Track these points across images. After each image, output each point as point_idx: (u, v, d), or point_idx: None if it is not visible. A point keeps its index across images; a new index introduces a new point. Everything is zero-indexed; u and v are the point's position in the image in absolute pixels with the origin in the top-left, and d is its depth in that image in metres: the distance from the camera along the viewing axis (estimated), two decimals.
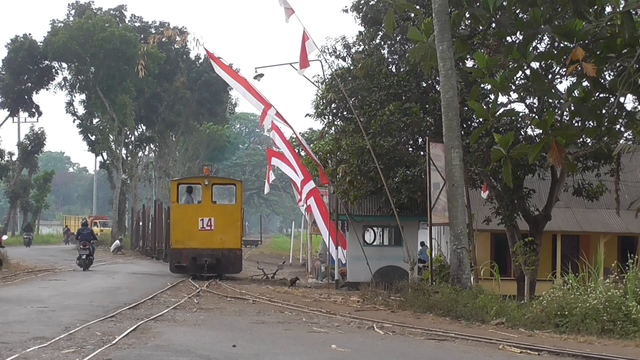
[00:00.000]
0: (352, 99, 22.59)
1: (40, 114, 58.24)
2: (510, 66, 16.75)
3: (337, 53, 24.87)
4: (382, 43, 23.79)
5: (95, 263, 32.25)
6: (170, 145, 66.07)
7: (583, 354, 11.25)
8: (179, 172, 64.93)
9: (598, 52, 13.33)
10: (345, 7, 23.94)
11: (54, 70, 56.04)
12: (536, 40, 19.01)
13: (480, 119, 18.57)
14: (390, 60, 23.80)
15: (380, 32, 23.38)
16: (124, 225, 60.35)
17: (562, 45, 16.49)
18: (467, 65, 20.38)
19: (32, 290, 19.19)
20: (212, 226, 25.77)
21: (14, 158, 59.42)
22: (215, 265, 25.15)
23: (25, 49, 53.75)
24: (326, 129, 25.98)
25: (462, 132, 18.62)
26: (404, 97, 22.13)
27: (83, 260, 27.90)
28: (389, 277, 22.13)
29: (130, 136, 61.27)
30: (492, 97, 18.79)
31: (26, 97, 56.34)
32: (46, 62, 55.17)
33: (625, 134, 19.23)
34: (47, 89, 56.83)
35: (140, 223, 46.30)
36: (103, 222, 64.68)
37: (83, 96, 55.69)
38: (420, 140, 22.86)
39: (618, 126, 16.94)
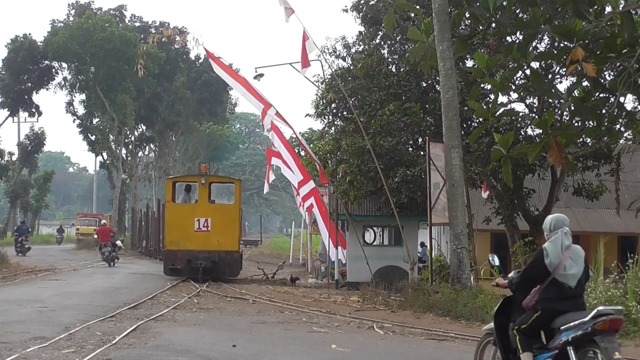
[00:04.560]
0: (352, 99, 22.59)
1: (40, 114, 58.27)
2: (510, 66, 16.76)
3: (337, 53, 24.91)
4: (382, 43, 23.80)
5: (95, 263, 32.29)
6: (170, 145, 66.08)
7: None
8: (179, 172, 64.84)
9: (598, 52, 13.34)
10: (345, 7, 23.99)
11: (54, 70, 56.04)
12: (536, 40, 19.02)
13: (480, 119, 18.58)
14: (390, 60, 23.81)
15: (380, 32, 23.38)
16: (124, 225, 60.29)
17: (562, 45, 16.49)
18: (467, 65, 20.39)
19: (32, 290, 19.17)
20: (208, 227, 24.59)
21: (14, 158, 59.39)
22: (211, 268, 24.01)
23: (25, 49, 53.74)
24: (326, 129, 25.96)
25: (462, 132, 18.63)
26: (404, 97, 22.14)
27: (24, 248, 37.32)
28: (389, 277, 22.12)
29: (130, 136, 61.26)
30: (492, 97, 18.81)
31: (26, 97, 56.31)
32: (46, 62, 55.15)
33: (625, 134, 19.24)
34: (47, 89, 56.88)
35: (143, 223, 46.04)
36: (85, 221, 59.79)
37: (83, 96, 55.73)
38: (420, 140, 22.87)
39: (618, 126, 16.95)
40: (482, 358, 8.31)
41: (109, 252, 30.33)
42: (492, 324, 7.99)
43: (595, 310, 7.05)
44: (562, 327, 7.17)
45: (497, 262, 8.72)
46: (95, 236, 31.10)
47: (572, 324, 7.09)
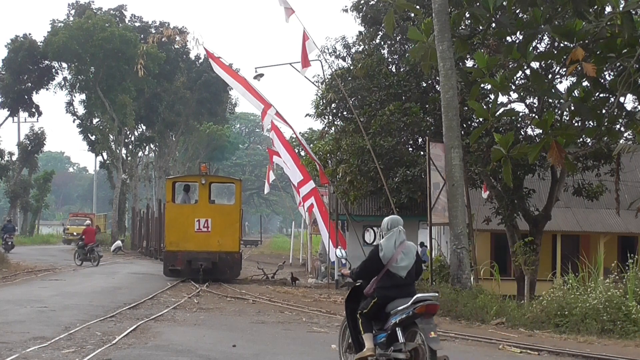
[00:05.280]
0: (352, 99, 22.59)
1: (40, 114, 58.36)
2: (510, 66, 16.77)
3: (337, 53, 24.91)
4: (382, 43, 23.81)
5: (95, 263, 32.37)
6: (170, 145, 66.09)
7: (583, 354, 11.25)
8: (179, 172, 64.85)
9: (598, 52, 13.35)
10: (345, 7, 24.00)
11: (54, 70, 56.08)
12: (536, 40, 19.02)
13: (480, 119, 18.58)
14: (390, 60, 23.81)
15: (380, 32, 23.39)
16: (124, 225, 60.29)
17: (562, 45, 16.49)
18: (467, 65, 20.39)
19: (32, 290, 19.17)
20: (209, 227, 24.33)
21: (14, 158, 59.45)
22: (212, 269, 23.74)
23: (25, 49, 53.76)
24: (326, 129, 25.96)
25: (462, 132, 18.62)
26: (404, 97, 22.14)
27: (8, 245, 38.53)
28: None
29: (130, 136, 61.29)
30: (492, 97, 18.80)
31: (26, 97, 56.37)
32: (46, 62, 55.20)
33: (625, 134, 19.24)
34: (47, 89, 56.96)
35: (143, 223, 45.96)
36: (76, 221, 57.45)
37: (83, 96, 55.75)
38: (420, 140, 22.87)
39: (618, 126, 16.95)
40: (345, 338, 9.36)
41: (98, 252, 31.89)
42: None
43: (415, 297, 8.20)
44: (392, 312, 8.35)
45: (343, 254, 9.84)
46: (75, 234, 32.35)
47: (398, 308, 8.26)
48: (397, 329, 8.23)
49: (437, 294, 8.69)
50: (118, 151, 57.24)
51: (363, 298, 8.72)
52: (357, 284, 8.87)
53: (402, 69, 23.25)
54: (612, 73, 17.82)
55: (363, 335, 8.53)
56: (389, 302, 8.43)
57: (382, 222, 8.86)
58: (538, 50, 19.38)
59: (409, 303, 8.14)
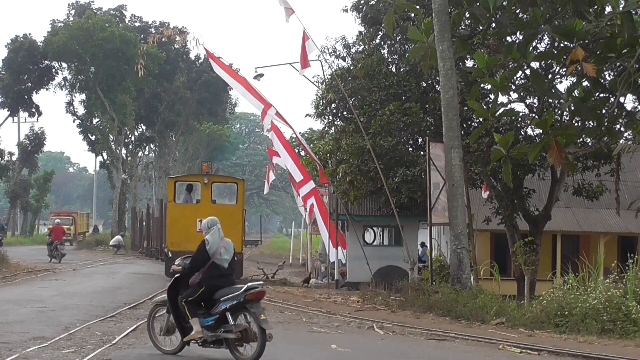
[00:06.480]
0: (352, 99, 22.58)
1: (40, 114, 58.32)
2: (510, 66, 16.77)
3: (337, 53, 24.87)
4: (382, 43, 23.79)
5: (95, 263, 32.38)
6: (170, 145, 66.04)
7: (583, 354, 11.26)
8: (179, 172, 64.69)
9: (598, 52, 13.35)
10: (345, 7, 23.97)
11: (54, 70, 56.02)
12: (536, 40, 19.01)
13: (480, 119, 18.57)
14: (390, 60, 23.80)
15: (380, 32, 23.38)
16: (124, 225, 60.27)
17: (562, 45, 16.50)
18: (467, 65, 20.38)
19: (32, 290, 19.18)
20: None
21: (14, 158, 59.42)
22: None
23: (25, 49, 53.73)
24: (326, 129, 25.93)
25: (462, 132, 18.61)
26: (404, 97, 22.13)
27: None
28: (389, 277, 22.12)
29: (130, 136, 61.24)
30: (492, 97, 18.79)
31: (26, 97, 56.32)
32: (46, 62, 55.14)
33: (625, 134, 19.23)
34: (47, 89, 56.88)
35: (144, 223, 45.84)
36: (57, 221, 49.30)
37: (83, 96, 55.69)
38: (420, 140, 22.86)
39: (618, 126, 16.96)
40: (153, 325, 10.48)
41: (61, 250, 34.08)
42: (162, 297, 10.41)
43: (246, 285, 9.59)
44: (222, 298, 9.60)
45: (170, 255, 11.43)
46: (46, 232, 34.43)
47: (228, 295, 9.55)
48: (226, 313, 9.49)
49: (262, 282, 10.12)
50: (118, 151, 57.21)
51: (184, 287, 9.84)
52: (178, 275, 10.05)
53: (402, 69, 23.24)
54: (612, 73, 17.81)
55: (190, 319, 9.69)
56: (215, 290, 9.70)
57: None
58: (538, 50, 19.37)
59: (241, 291, 9.47)
